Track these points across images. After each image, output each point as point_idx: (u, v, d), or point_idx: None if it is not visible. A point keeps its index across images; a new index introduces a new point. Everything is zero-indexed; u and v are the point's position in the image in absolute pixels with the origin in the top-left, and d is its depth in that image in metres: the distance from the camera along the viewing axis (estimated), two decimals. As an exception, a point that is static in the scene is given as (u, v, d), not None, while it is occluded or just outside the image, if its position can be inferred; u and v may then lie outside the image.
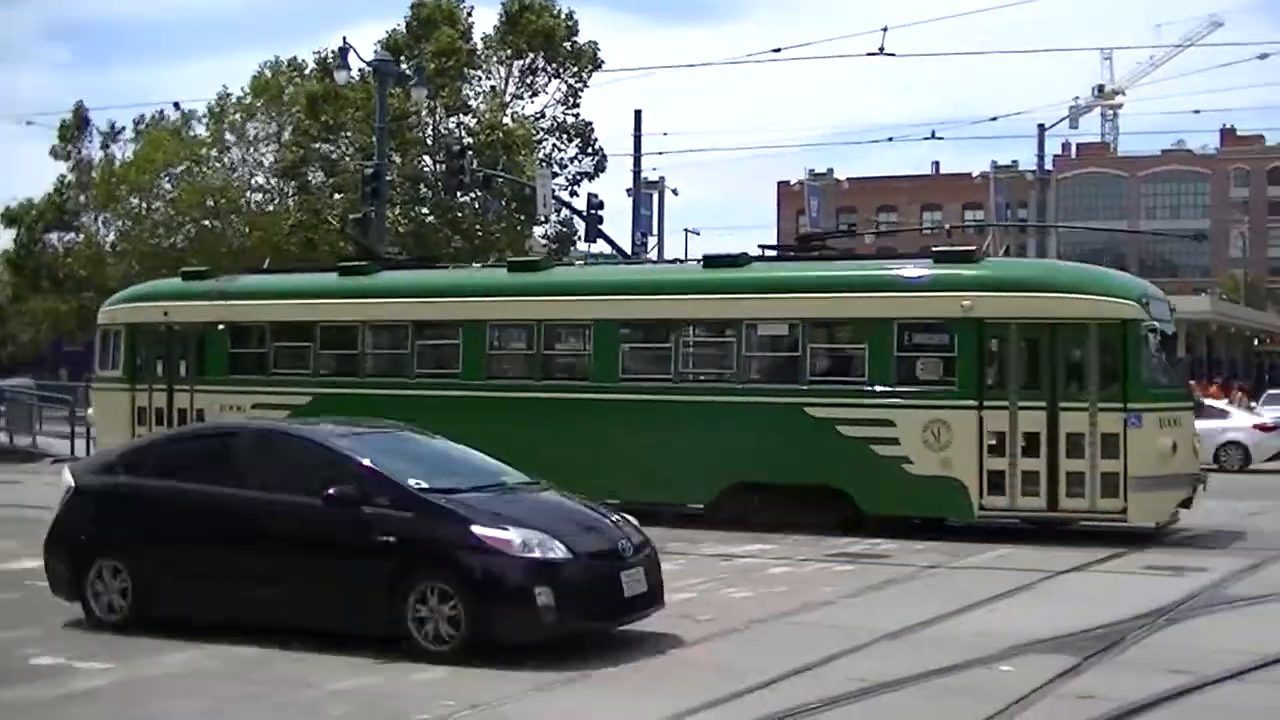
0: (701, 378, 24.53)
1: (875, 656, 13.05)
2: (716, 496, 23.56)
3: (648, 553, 13.57)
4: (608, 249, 50.01)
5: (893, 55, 43.11)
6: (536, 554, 12.58)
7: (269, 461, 14.16)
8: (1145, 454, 21.11)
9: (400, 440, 15.11)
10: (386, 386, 25.94)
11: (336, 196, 59.97)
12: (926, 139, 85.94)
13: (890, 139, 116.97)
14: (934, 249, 24.22)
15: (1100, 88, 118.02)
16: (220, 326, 28.55)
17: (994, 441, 21.76)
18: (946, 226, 67.20)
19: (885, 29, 43.02)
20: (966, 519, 22.11)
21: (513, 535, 12.65)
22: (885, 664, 12.50)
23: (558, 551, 12.67)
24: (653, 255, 57.42)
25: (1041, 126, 63.46)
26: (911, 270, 23.45)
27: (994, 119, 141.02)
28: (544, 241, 63.43)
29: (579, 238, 60.45)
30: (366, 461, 13.56)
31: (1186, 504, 22.17)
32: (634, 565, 13.22)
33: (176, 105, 67.39)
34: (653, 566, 13.56)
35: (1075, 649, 13.19)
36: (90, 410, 31.31)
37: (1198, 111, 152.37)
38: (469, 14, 63.56)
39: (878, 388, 22.56)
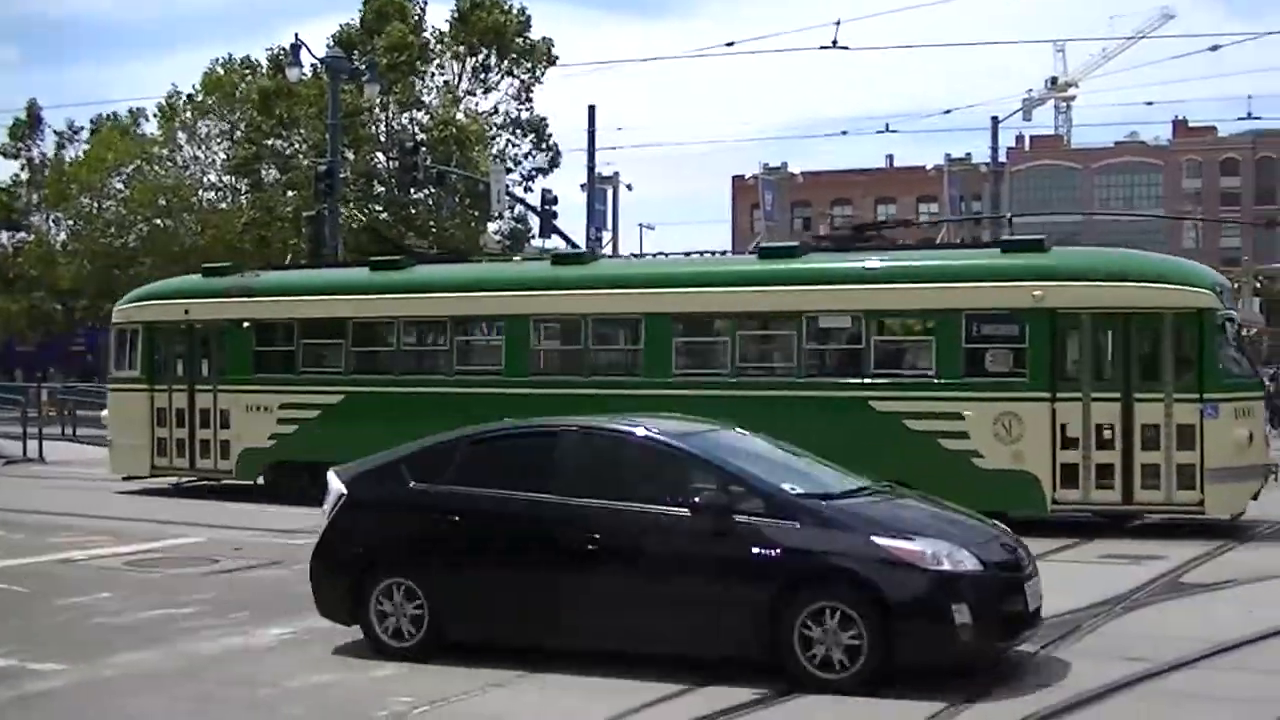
0: (759, 372, 23.85)
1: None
2: None
3: (1035, 562, 12.37)
4: (563, 245, 49.96)
5: (846, 49, 43.14)
6: (947, 566, 11.29)
7: (600, 465, 12.58)
8: (1222, 445, 20.75)
9: (737, 440, 13.49)
10: (424, 384, 25.47)
11: (289, 194, 59.52)
12: (880, 132, 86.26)
13: (844, 133, 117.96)
14: (1002, 238, 23.69)
15: (1053, 80, 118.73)
16: (245, 324, 27.78)
17: (1067, 434, 21.34)
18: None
19: (838, 22, 43.54)
20: (1039, 513, 21.38)
21: (921, 546, 11.36)
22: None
23: (969, 563, 11.38)
24: (607, 250, 57.46)
25: (995, 119, 63.05)
26: (979, 260, 23.25)
27: (947, 112, 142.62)
28: (498, 238, 63.33)
29: (533, 234, 60.52)
30: (733, 465, 12.19)
31: (1254, 495, 21.76)
32: (1033, 576, 12.02)
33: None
34: (1039, 578, 12.35)
35: (1032, 637, 13.22)
36: (105, 412, 30.77)
37: (1150, 103, 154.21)
38: (422, 6, 63.43)
39: (946, 380, 22.06)
